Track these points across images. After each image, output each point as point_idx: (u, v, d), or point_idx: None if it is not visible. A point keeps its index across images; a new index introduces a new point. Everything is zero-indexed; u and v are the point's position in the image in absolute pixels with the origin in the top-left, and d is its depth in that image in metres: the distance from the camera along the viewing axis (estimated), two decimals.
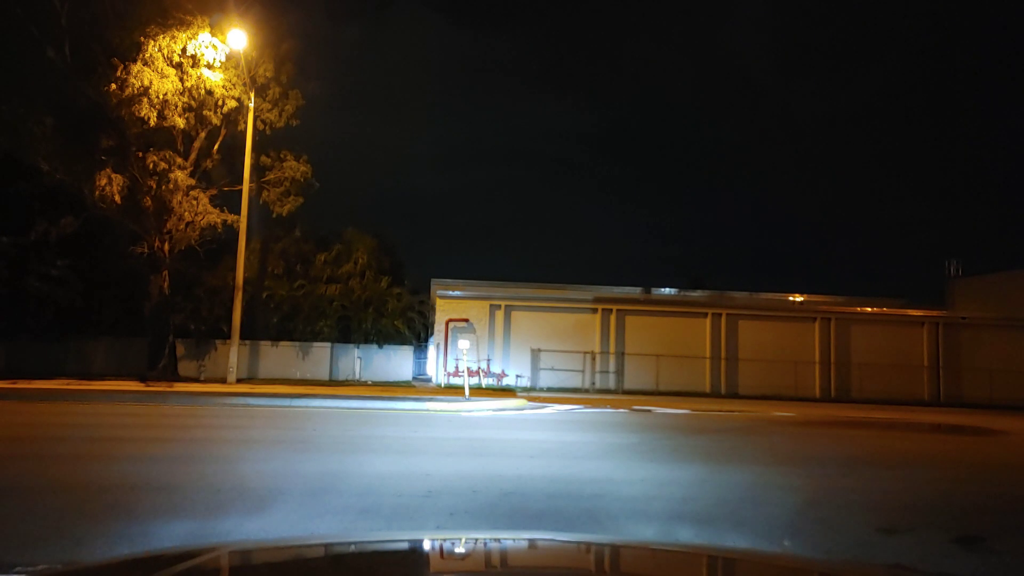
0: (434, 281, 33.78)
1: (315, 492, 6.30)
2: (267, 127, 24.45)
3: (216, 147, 24.51)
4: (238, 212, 23.38)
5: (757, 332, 31.20)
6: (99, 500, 5.77)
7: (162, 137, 22.81)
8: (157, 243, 23.33)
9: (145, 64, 20.77)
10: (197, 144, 23.80)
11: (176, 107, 21.44)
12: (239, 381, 22.56)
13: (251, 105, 23.10)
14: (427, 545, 2.30)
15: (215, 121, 23.03)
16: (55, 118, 22.06)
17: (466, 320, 29.50)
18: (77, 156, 22.16)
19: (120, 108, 21.04)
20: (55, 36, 21.58)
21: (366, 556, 2.00)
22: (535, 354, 29.46)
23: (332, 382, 26.43)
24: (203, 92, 21.92)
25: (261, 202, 25.27)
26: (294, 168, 25.14)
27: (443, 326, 29.41)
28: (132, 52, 20.98)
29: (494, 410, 17.51)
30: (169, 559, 1.81)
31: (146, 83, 20.58)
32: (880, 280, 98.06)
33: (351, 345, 28.74)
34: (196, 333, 27.31)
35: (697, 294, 36.59)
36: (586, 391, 28.18)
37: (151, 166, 22.02)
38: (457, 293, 30.68)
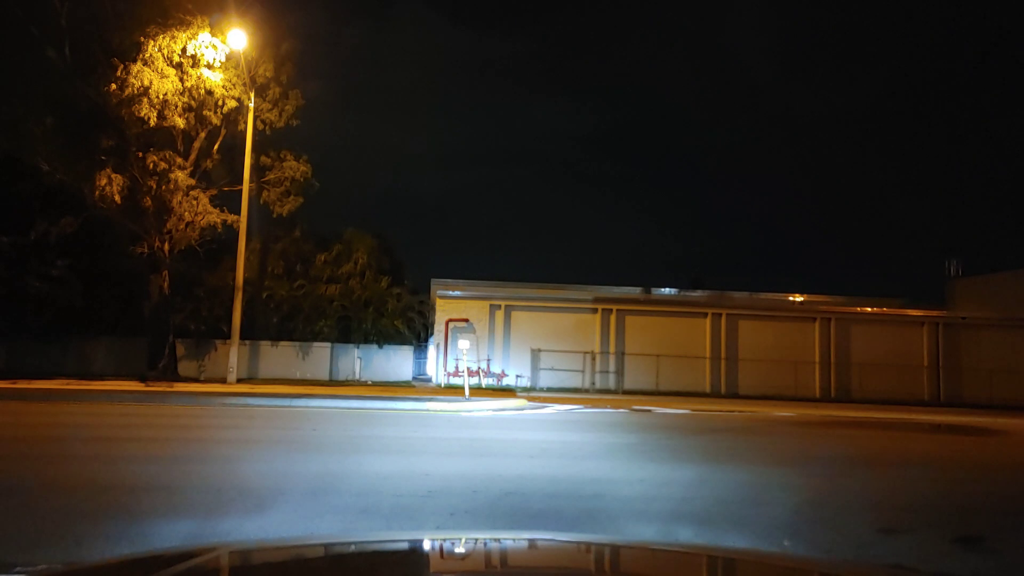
0: (434, 281, 33.77)
1: (315, 492, 6.30)
2: (267, 127, 24.43)
3: (216, 147, 24.49)
4: (238, 212, 23.37)
5: (757, 332, 31.18)
6: (99, 500, 5.77)
7: (162, 137, 22.79)
8: (157, 243, 23.32)
9: (145, 64, 20.76)
10: (197, 144, 23.78)
11: (176, 107, 21.43)
12: (239, 381, 22.55)
13: (251, 105, 23.09)
14: (427, 545, 2.30)
15: (215, 121, 23.01)
16: (55, 118, 22.05)
17: (466, 320, 29.49)
18: (77, 156, 22.14)
19: (120, 108, 21.02)
20: (55, 36, 21.56)
21: (366, 556, 2.00)
22: (535, 354, 29.45)
23: (332, 382, 26.42)
24: (203, 92, 21.91)
25: (261, 202, 25.25)
26: (294, 168, 25.13)
27: (443, 326, 29.40)
28: (132, 52, 20.96)
29: (494, 410, 17.51)
30: (169, 559, 1.81)
31: (146, 83, 20.57)
32: (880, 280, 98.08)
33: (351, 345, 28.73)
34: (196, 333, 27.29)
35: (697, 294, 36.56)
36: (586, 391, 28.17)
37: (151, 166, 22.00)
38: (457, 293, 30.67)
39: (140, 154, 22.26)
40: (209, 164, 24.56)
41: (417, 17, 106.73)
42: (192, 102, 21.91)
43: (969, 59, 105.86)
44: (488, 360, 29.07)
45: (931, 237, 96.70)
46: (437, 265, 62.34)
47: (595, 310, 30.58)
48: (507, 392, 24.03)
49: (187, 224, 22.92)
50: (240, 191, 23.38)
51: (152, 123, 21.23)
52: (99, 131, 22.16)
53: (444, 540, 2.34)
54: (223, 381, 22.49)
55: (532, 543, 2.30)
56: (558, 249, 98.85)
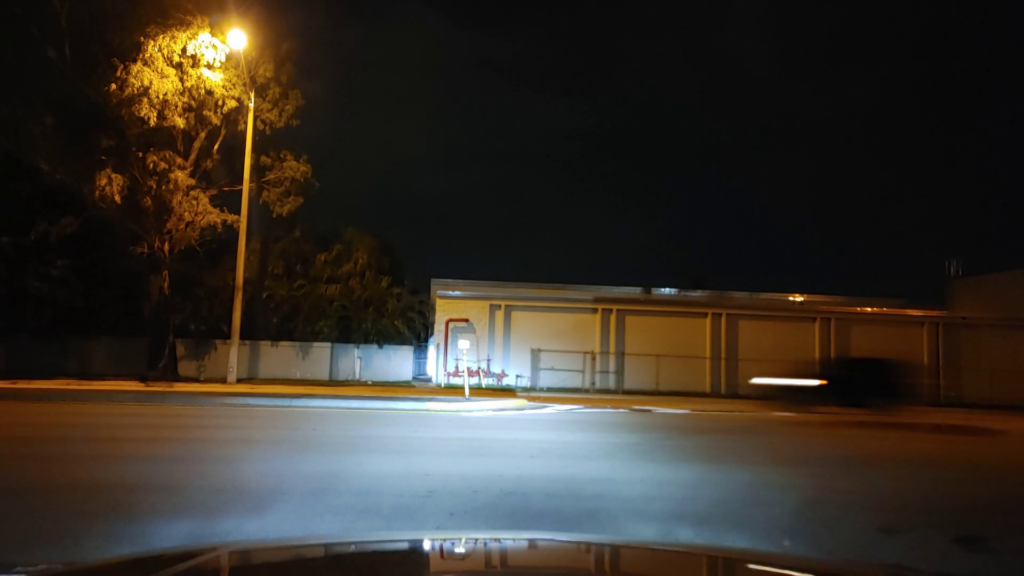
0: (434, 281, 33.78)
1: (315, 492, 6.30)
2: (267, 127, 24.42)
3: (216, 147, 24.49)
4: (238, 212, 23.37)
5: (757, 332, 31.18)
6: (99, 500, 5.77)
7: (162, 137, 22.79)
8: (157, 243, 23.32)
9: (145, 64, 20.76)
10: (197, 144, 23.78)
11: (176, 107, 21.43)
12: (239, 381, 22.54)
13: (251, 105, 23.08)
14: (427, 545, 2.30)
15: (215, 121, 23.01)
16: (55, 118, 22.04)
17: (466, 320, 29.49)
18: (77, 156, 22.14)
19: (120, 108, 21.02)
20: (55, 36, 21.57)
21: (366, 556, 2.00)
22: (535, 354, 29.45)
23: (332, 382, 26.41)
24: (203, 92, 21.90)
25: (261, 202, 25.26)
26: (294, 168, 25.13)
27: (443, 326, 29.40)
28: (132, 52, 20.96)
29: (494, 410, 17.51)
30: (169, 559, 1.82)
31: (146, 83, 20.57)
32: (880, 280, 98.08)
33: (351, 345, 28.73)
34: (196, 333, 27.30)
35: (697, 294, 36.56)
36: (586, 391, 28.17)
37: (151, 166, 22.00)
38: (457, 293, 30.67)
39: (140, 154, 22.25)
40: (209, 164, 24.56)
41: (417, 17, 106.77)
42: (192, 102, 21.90)
43: (968, 59, 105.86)
44: (488, 360, 29.07)
45: (931, 237, 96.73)
46: (437, 265, 62.39)
47: (595, 310, 30.58)
48: (507, 392, 24.03)
49: (187, 224, 22.92)
50: (240, 191, 23.38)
51: (152, 123, 21.23)
52: (99, 131, 22.17)
53: (444, 540, 2.34)
54: (223, 381, 22.48)
55: (532, 543, 2.30)
56: (558, 249, 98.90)
